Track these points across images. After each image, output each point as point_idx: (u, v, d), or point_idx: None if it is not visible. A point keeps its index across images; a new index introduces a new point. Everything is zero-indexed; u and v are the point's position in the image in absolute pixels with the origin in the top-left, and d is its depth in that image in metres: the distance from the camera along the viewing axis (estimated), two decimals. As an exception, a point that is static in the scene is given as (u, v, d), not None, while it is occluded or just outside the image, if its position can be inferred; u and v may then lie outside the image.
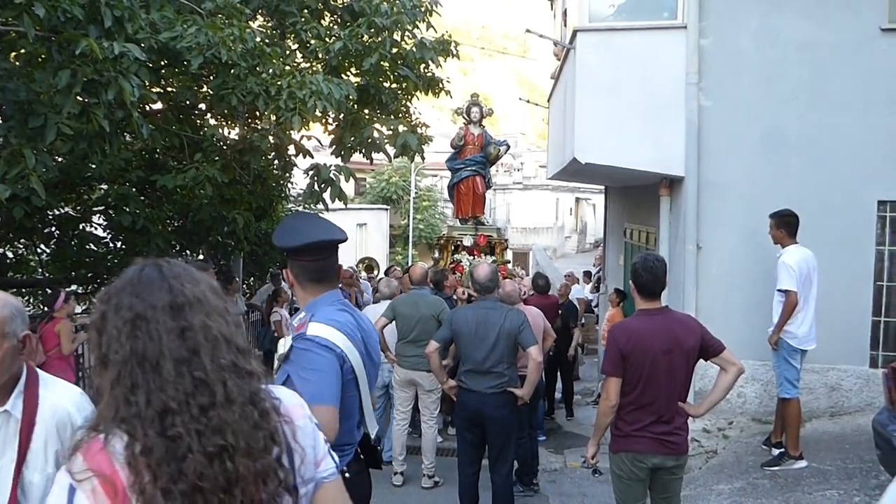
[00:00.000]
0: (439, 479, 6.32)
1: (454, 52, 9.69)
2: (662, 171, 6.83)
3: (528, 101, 14.49)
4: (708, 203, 6.69)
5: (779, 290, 5.51)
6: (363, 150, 8.26)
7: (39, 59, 5.53)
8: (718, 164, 6.65)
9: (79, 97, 4.80)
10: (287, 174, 10.49)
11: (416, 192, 29.85)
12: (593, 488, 6.18)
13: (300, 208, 10.19)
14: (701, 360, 3.87)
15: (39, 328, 6.62)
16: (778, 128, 6.51)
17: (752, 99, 6.57)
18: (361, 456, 2.70)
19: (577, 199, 37.64)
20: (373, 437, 2.77)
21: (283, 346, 2.57)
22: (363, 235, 27.34)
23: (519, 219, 34.95)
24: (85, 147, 5.17)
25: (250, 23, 7.76)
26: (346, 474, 2.44)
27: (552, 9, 11.49)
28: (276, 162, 9.78)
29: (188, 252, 10.47)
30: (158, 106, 8.72)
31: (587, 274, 13.75)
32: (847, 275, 6.40)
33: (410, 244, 28.36)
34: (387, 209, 29.25)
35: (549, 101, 10.85)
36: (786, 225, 5.62)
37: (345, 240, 2.74)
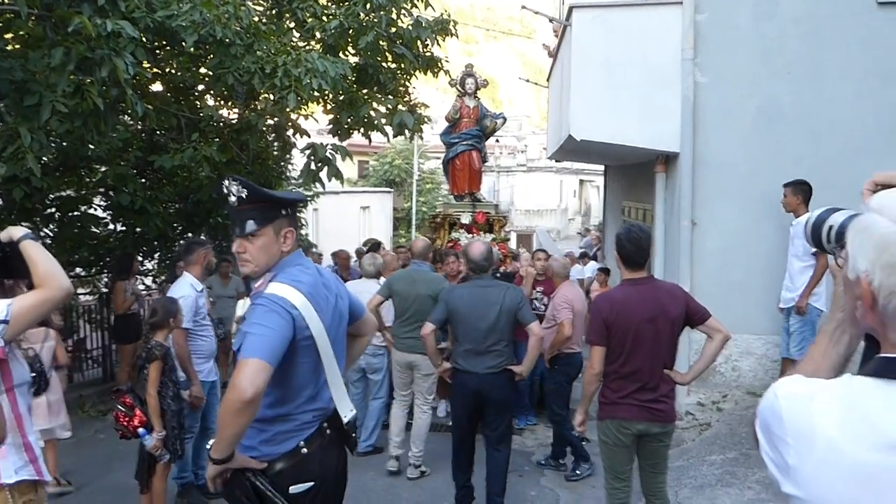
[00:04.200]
0: (426, 469, 5.99)
1: (453, 31, 9.67)
2: (658, 147, 6.84)
3: (527, 81, 14.42)
4: (703, 179, 6.70)
5: (811, 254, 5.61)
6: (361, 130, 8.28)
7: (34, 39, 5.57)
8: (714, 140, 6.66)
9: (73, 75, 4.84)
10: (286, 154, 10.52)
11: (419, 175, 29.84)
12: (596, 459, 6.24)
13: (300, 189, 10.20)
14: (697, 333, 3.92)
15: None
16: (773, 102, 6.51)
17: (748, 74, 6.56)
18: (328, 431, 2.55)
19: (581, 182, 37.58)
20: (346, 419, 2.59)
21: (243, 307, 2.54)
22: (367, 218, 27.37)
23: (523, 201, 34.94)
24: (80, 125, 5.20)
25: (247, 1, 7.78)
26: (304, 450, 2.45)
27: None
28: (275, 143, 9.82)
29: (189, 233, 10.54)
30: (158, 87, 8.79)
31: (584, 255, 13.77)
32: (844, 248, 6.41)
33: (414, 226, 28.37)
34: (390, 192, 29.25)
35: (548, 80, 10.85)
36: (802, 192, 5.78)
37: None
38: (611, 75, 6.80)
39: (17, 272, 2.41)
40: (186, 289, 5.01)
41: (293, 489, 2.45)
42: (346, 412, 2.60)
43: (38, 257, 2.36)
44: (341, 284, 2.79)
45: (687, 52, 6.58)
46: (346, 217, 24.94)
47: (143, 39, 6.08)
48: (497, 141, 38.33)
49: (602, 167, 12.11)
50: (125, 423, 4.25)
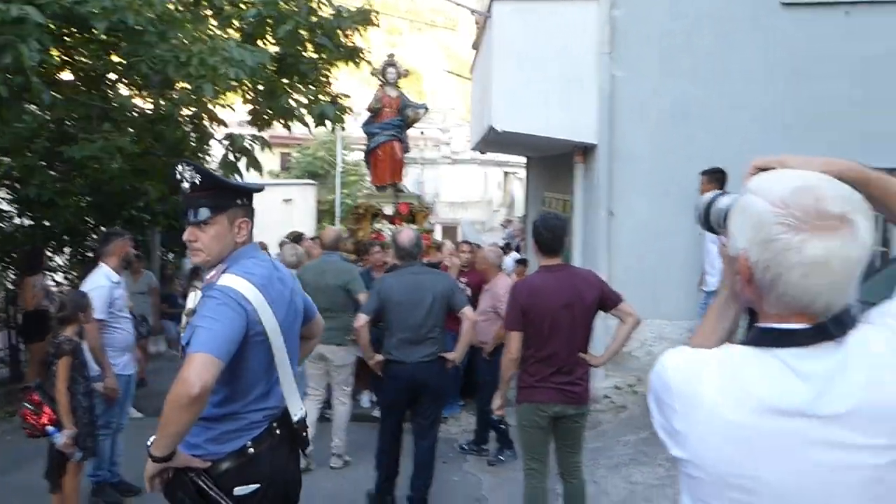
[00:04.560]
0: (349, 459, 5.95)
1: (376, 21, 9.63)
2: (576, 139, 7.01)
3: (451, 73, 14.46)
4: (620, 171, 6.89)
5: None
6: (280, 120, 8.17)
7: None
8: (629, 133, 6.86)
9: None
10: (205, 145, 10.28)
11: (343, 167, 29.54)
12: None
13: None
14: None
15: None
16: (684, 98, 6.75)
17: (661, 70, 6.79)
18: (277, 431, 2.46)
19: (506, 174, 37.97)
20: (295, 417, 2.51)
21: (193, 300, 2.45)
22: (290, 211, 26.94)
23: (447, 193, 35.08)
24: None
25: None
26: (251, 450, 2.36)
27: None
28: (192, 133, 9.59)
29: (102, 227, 10.19)
30: (68, 76, 8.44)
31: (507, 246, 13.93)
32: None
33: (338, 219, 28.11)
34: (314, 184, 28.88)
35: (471, 71, 10.93)
36: (717, 180, 6.00)
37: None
38: (531, 68, 6.92)
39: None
40: (101, 280, 4.93)
41: (238, 490, 2.36)
42: (297, 410, 2.52)
43: None
44: (297, 282, 2.72)
45: (603, 46, 6.76)
46: (268, 210, 24.30)
47: (52, 25, 5.85)
48: (422, 133, 38.33)
49: (525, 159, 12.32)
50: (33, 422, 4.10)
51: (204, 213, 2.38)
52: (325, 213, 29.48)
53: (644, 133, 6.85)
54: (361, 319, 4.81)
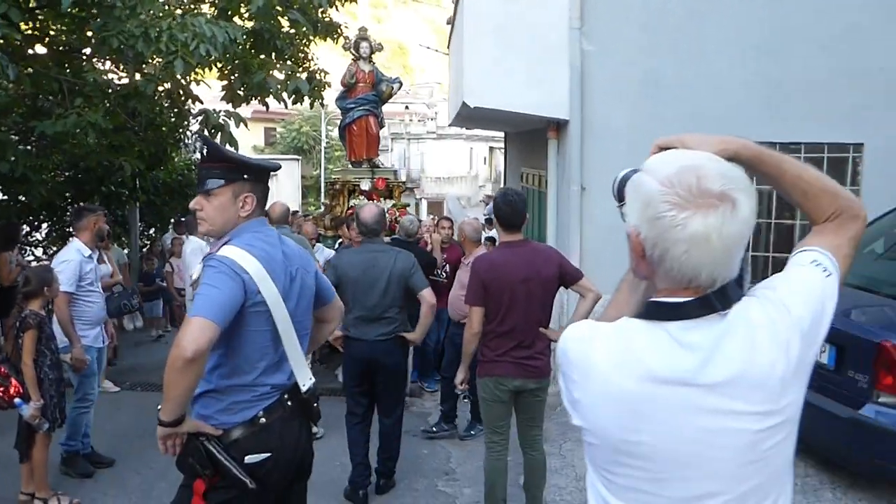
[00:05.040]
0: (318, 430, 5.73)
1: (353, -4, 9.58)
2: (548, 114, 7.04)
3: (428, 48, 14.41)
4: (592, 146, 6.92)
5: None
6: (255, 96, 8.14)
7: None
8: (601, 108, 6.88)
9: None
10: (183, 121, 10.24)
11: (327, 142, 29.46)
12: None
13: (196, 156, 9.95)
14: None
15: None
16: (656, 73, 6.78)
17: (632, 44, 6.80)
18: (289, 403, 2.51)
19: (491, 149, 37.87)
20: (304, 387, 2.55)
21: (197, 271, 2.45)
22: (275, 186, 26.66)
23: (433, 168, 35.07)
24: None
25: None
26: (262, 420, 2.42)
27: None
28: (173, 109, 9.53)
29: (80, 202, 10.16)
30: (43, 50, 8.36)
31: (488, 221, 13.93)
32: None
33: (323, 194, 28.08)
34: (298, 160, 28.86)
35: (448, 47, 10.91)
36: None
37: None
38: (503, 43, 6.92)
39: None
40: (71, 253, 5.01)
41: (249, 459, 2.39)
42: (306, 381, 2.56)
43: None
44: (310, 261, 2.75)
45: (574, 21, 6.76)
46: (253, 185, 24.39)
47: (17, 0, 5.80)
48: (407, 108, 38.23)
49: (503, 134, 12.34)
50: (1, 394, 4.15)
51: (210, 183, 2.46)
52: (310, 189, 29.46)
53: (616, 108, 6.88)
54: None
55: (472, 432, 6.14)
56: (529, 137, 9.45)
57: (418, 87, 45.50)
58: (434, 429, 6.27)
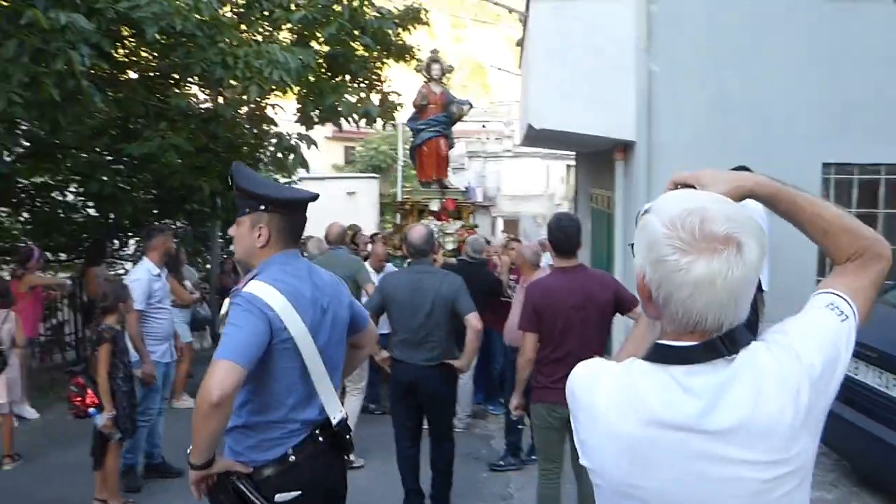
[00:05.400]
0: (356, 460, 5.61)
1: (425, 20, 9.79)
2: (614, 135, 6.98)
3: (499, 69, 14.49)
4: (659, 167, 6.82)
5: None
6: (328, 119, 8.40)
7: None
8: (668, 128, 6.78)
9: (28, 67, 4.95)
10: (263, 142, 10.63)
11: (404, 161, 29.87)
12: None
13: (278, 177, 10.30)
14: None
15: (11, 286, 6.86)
16: (723, 91, 6.64)
17: (699, 63, 6.69)
18: (321, 439, 2.46)
19: (568, 167, 37.61)
20: (335, 420, 2.48)
21: (225, 306, 2.42)
22: (353, 204, 27.37)
23: (509, 187, 34.94)
24: (37, 116, 5.32)
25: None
26: (291, 457, 2.37)
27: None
28: (253, 130, 9.92)
29: (165, 219, 10.67)
30: (134, 76, 8.87)
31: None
32: (792, 238, 6.54)
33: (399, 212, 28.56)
34: (377, 178, 29.29)
35: (519, 67, 10.96)
36: None
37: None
38: (568, 65, 6.92)
39: None
40: (141, 272, 5.24)
41: (279, 497, 2.37)
42: (336, 414, 2.49)
43: None
44: (343, 291, 2.66)
45: (640, 41, 6.71)
46: (331, 203, 24.92)
47: (110, 29, 6.19)
48: (484, 126, 38.36)
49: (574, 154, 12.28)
50: (78, 404, 4.41)
51: (239, 212, 2.50)
52: (387, 206, 29.88)
53: (683, 128, 6.77)
54: None
55: (533, 457, 6.08)
56: (598, 158, 9.38)
57: (496, 106, 45.60)
58: (501, 462, 6.06)
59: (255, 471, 2.38)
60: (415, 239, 4.71)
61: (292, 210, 2.49)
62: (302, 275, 2.46)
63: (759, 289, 1.35)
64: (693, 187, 1.42)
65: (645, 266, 1.27)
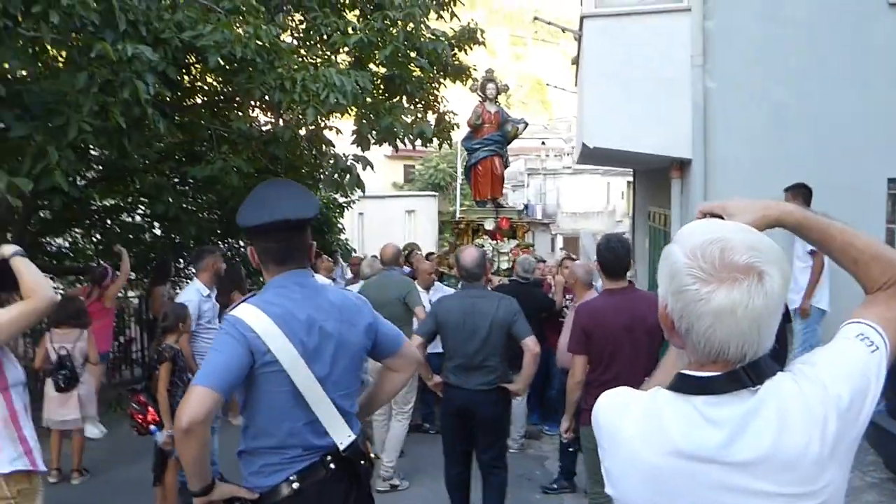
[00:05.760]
0: (399, 483, 5.72)
1: (481, 40, 9.87)
2: (669, 153, 6.92)
3: (555, 87, 14.47)
4: (715, 185, 6.73)
5: (808, 253, 5.62)
6: (383, 141, 8.52)
7: (65, 63, 5.97)
8: (724, 146, 6.69)
9: (98, 97, 5.20)
10: (322, 162, 10.84)
11: (462, 178, 30.04)
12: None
13: (337, 197, 10.48)
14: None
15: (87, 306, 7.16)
16: (782, 107, 6.53)
17: (756, 79, 6.60)
18: (331, 465, 2.37)
19: (629, 183, 37.28)
20: (342, 446, 2.37)
21: None
22: (412, 222, 27.65)
23: (569, 204, 34.80)
24: (106, 143, 5.57)
25: (285, 17, 8.14)
26: (294, 484, 2.30)
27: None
28: (312, 151, 10.13)
29: (228, 239, 11.00)
30: (199, 100, 9.21)
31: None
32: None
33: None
34: (435, 196, 29.51)
35: (575, 85, 10.94)
36: (801, 195, 5.78)
37: (312, 217, 2.41)
38: (622, 83, 6.90)
39: (8, 286, 2.68)
40: (191, 294, 5.41)
41: None
42: (343, 439, 2.38)
43: (26, 272, 2.63)
44: (361, 314, 2.51)
45: (696, 58, 6.64)
46: (391, 221, 25.27)
47: (174, 57, 6.45)
48: (543, 143, 38.32)
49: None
50: (139, 421, 4.57)
51: None
52: (446, 224, 30.09)
53: (740, 145, 6.67)
54: (416, 340, 4.50)
55: None
56: (655, 175, 9.27)
57: (556, 122, 45.48)
58: (554, 485, 5.97)
59: (260, 497, 2.32)
60: (467, 262, 4.65)
61: (264, 235, 2.37)
62: (298, 297, 2.36)
63: (787, 319, 1.34)
64: (721, 217, 1.42)
65: (667, 296, 1.28)
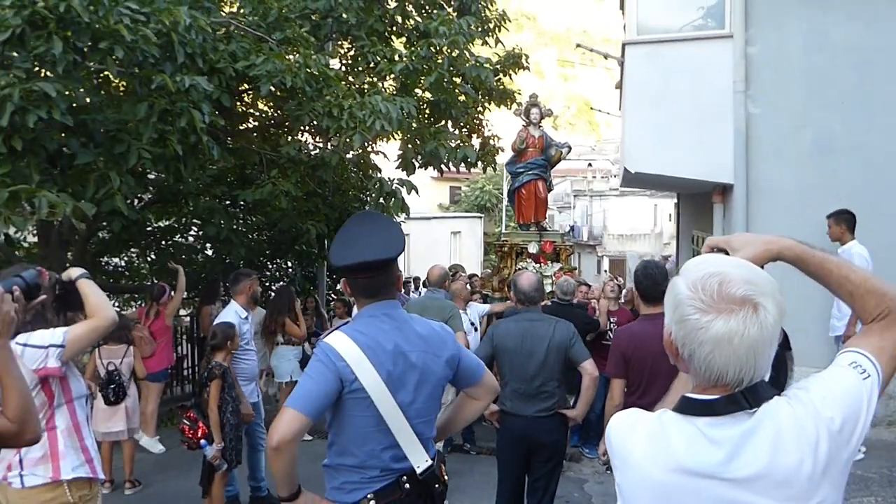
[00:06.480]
0: None
1: (526, 64, 10.02)
2: (711, 178, 6.94)
3: (599, 111, 14.50)
4: (758, 210, 6.72)
5: None
6: (427, 165, 8.69)
7: (127, 93, 6.29)
8: (767, 170, 6.69)
9: (157, 125, 5.48)
10: (368, 186, 11.08)
11: (506, 201, 30.16)
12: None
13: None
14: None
15: (146, 324, 7.43)
16: (826, 133, 6.51)
17: (800, 105, 6.59)
18: (407, 486, 2.49)
19: (676, 205, 36.87)
20: (419, 469, 2.50)
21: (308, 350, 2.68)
22: (458, 243, 27.82)
23: (616, 226, 34.58)
24: (163, 169, 5.85)
25: (334, 46, 8.42)
26: (371, 502, 2.44)
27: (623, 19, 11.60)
28: (358, 175, 10.37)
29: (277, 259, 11.28)
30: (252, 125, 9.55)
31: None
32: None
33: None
34: (481, 217, 29.67)
35: (619, 109, 10.99)
36: (845, 221, 5.78)
37: (396, 256, 2.56)
38: (664, 109, 6.96)
39: (74, 305, 2.89)
40: (230, 315, 5.53)
41: None
42: (420, 463, 2.51)
43: (90, 293, 2.85)
44: (445, 344, 2.63)
45: (738, 84, 6.67)
46: (436, 242, 25.47)
47: (228, 85, 6.74)
48: (590, 165, 38.22)
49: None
50: (190, 436, 4.76)
51: None
52: (490, 246, 30.17)
53: (783, 170, 6.66)
54: None
55: None
56: (699, 199, 9.26)
57: (603, 144, 45.33)
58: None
59: None
60: (524, 286, 4.59)
61: (349, 273, 2.60)
62: (387, 327, 2.51)
63: (787, 346, 1.43)
64: (726, 251, 1.53)
65: (672, 324, 1.40)
